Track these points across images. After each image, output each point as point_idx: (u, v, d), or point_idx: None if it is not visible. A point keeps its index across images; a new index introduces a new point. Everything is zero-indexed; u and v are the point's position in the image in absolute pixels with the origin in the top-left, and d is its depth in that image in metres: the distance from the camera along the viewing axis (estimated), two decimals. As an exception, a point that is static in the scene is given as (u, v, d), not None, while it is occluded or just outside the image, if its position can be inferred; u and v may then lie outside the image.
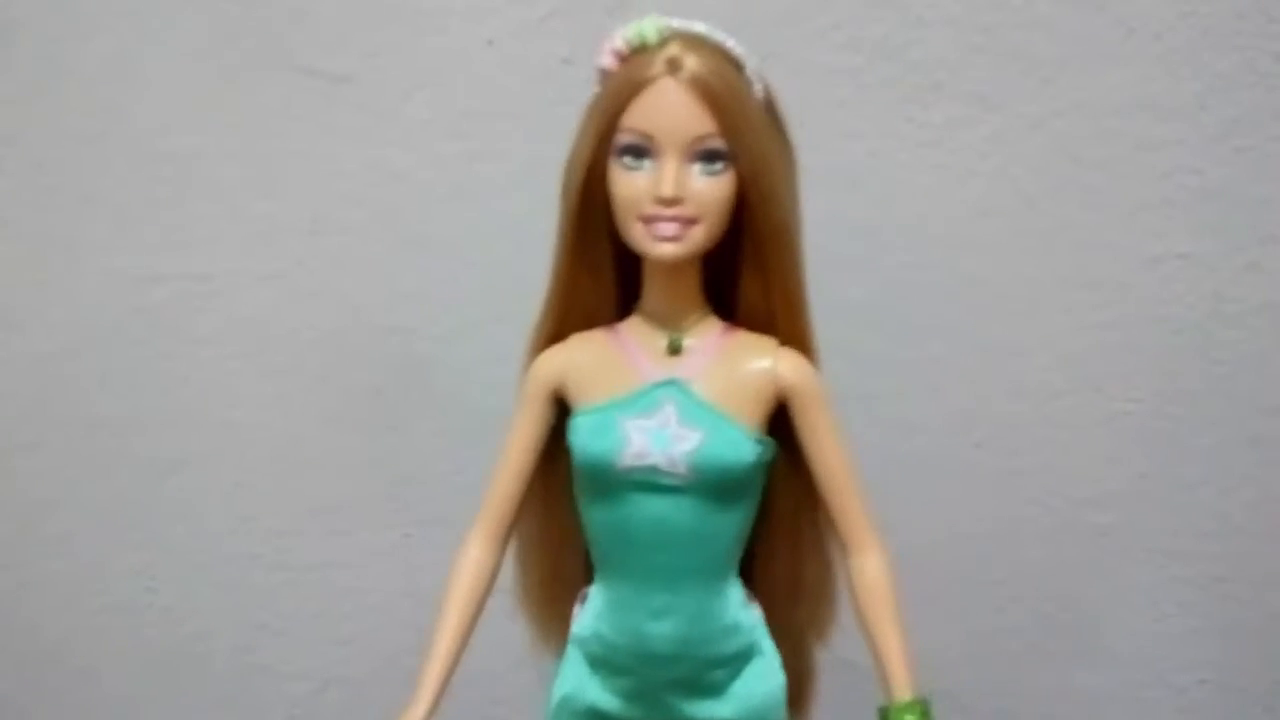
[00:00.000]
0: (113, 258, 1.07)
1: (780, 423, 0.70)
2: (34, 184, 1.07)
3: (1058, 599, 1.08)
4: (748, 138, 0.66)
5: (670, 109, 0.65)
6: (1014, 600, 1.08)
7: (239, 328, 1.08)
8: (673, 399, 0.68)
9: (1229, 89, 0.97)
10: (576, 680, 0.74)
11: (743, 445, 0.68)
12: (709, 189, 0.66)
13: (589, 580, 0.75)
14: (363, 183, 1.04)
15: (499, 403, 1.06)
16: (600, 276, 0.71)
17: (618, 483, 0.68)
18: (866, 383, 1.01)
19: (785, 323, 0.70)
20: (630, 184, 0.66)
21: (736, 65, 0.67)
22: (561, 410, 0.72)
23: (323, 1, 1.01)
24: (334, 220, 1.05)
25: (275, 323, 1.08)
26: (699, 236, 0.67)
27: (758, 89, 0.68)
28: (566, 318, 0.72)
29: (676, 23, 0.66)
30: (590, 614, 0.73)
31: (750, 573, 0.74)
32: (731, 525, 0.70)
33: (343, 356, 1.08)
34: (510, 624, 0.80)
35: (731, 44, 0.67)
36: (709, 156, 0.65)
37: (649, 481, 0.68)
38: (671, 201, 0.65)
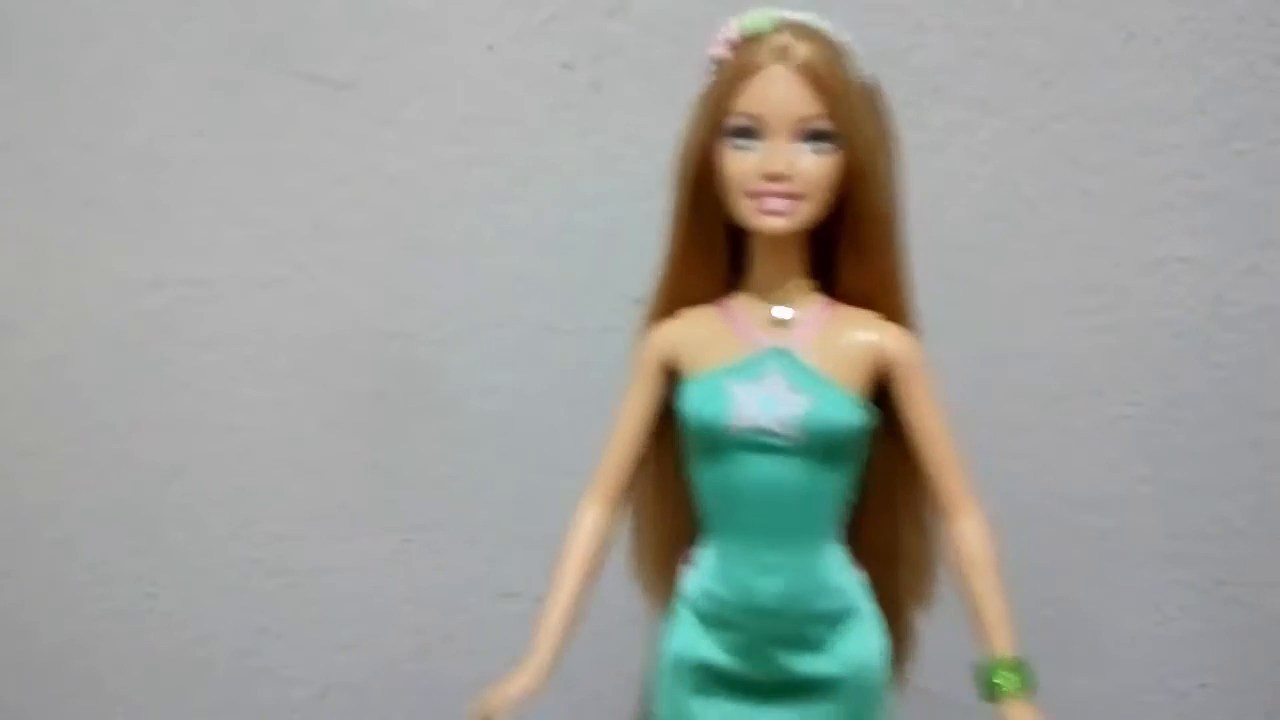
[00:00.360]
0: (114, 263, 1.08)
1: (882, 396, 0.73)
2: (35, 189, 1.07)
3: (1058, 602, 1.08)
4: (852, 121, 0.69)
5: (779, 92, 0.68)
6: (1013, 603, 1.08)
7: (239, 333, 1.08)
8: (780, 367, 0.71)
9: (1228, 93, 0.97)
10: (687, 637, 0.76)
11: (849, 409, 0.71)
12: (815, 167, 0.69)
13: (695, 544, 0.78)
14: (363, 188, 1.04)
15: (499, 407, 1.07)
16: (711, 256, 0.74)
17: (727, 444, 0.71)
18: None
19: (883, 301, 0.74)
20: (740, 162, 0.69)
21: (843, 53, 0.70)
22: (673, 383, 0.75)
23: (323, 7, 1.01)
24: (335, 225, 1.05)
25: (276, 328, 1.08)
26: (804, 211, 0.70)
27: (864, 77, 0.71)
28: (680, 295, 0.76)
29: (787, 13, 0.70)
30: (700, 572, 0.76)
31: (853, 541, 0.77)
32: (835, 487, 0.73)
33: (343, 361, 1.08)
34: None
35: (838, 34, 0.70)
36: (815, 136, 0.68)
37: (758, 442, 0.71)
38: (779, 177, 0.68)
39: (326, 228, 1.06)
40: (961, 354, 1.04)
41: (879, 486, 0.77)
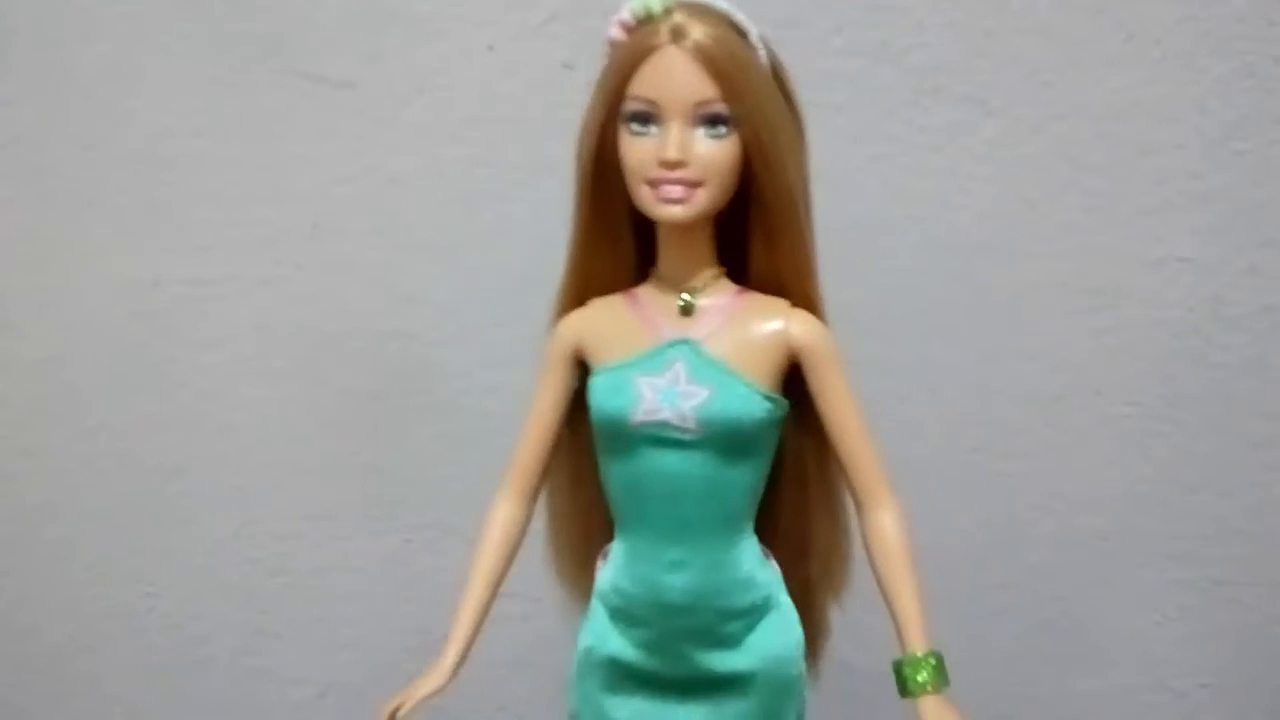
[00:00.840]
0: (114, 262, 1.08)
1: (792, 383, 0.72)
2: (35, 189, 1.07)
3: (1058, 603, 1.08)
4: (750, 102, 0.67)
5: (674, 76, 0.66)
6: (1014, 604, 1.08)
7: (239, 332, 1.08)
8: (683, 357, 0.70)
9: (1228, 93, 0.97)
10: (598, 631, 0.76)
11: (751, 401, 0.69)
12: (712, 152, 0.67)
13: (611, 538, 0.77)
14: (363, 187, 1.04)
15: (499, 407, 1.07)
16: (617, 243, 0.73)
17: (632, 438, 0.70)
18: (866, 386, 1.00)
19: (794, 286, 0.72)
20: (637, 149, 0.68)
21: (740, 32, 0.68)
22: (584, 373, 0.74)
23: (323, 7, 1.01)
24: (334, 225, 1.05)
25: (275, 327, 1.08)
26: (704, 199, 0.68)
27: (761, 55, 0.69)
28: (587, 284, 0.75)
29: None
30: (611, 567, 0.75)
31: (766, 530, 0.76)
32: (743, 479, 0.72)
33: (343, 361, 1.08)
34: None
35: (734, 12, 0.69)
36: (712, 120, 0.67)
37: (661, 436, 0.70)
38: (675, 164, 0.67)
39: (326, 227, 1.06)
40: (961, 354, 1.04)
41: (791, 476, 0.76)
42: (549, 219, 1.03)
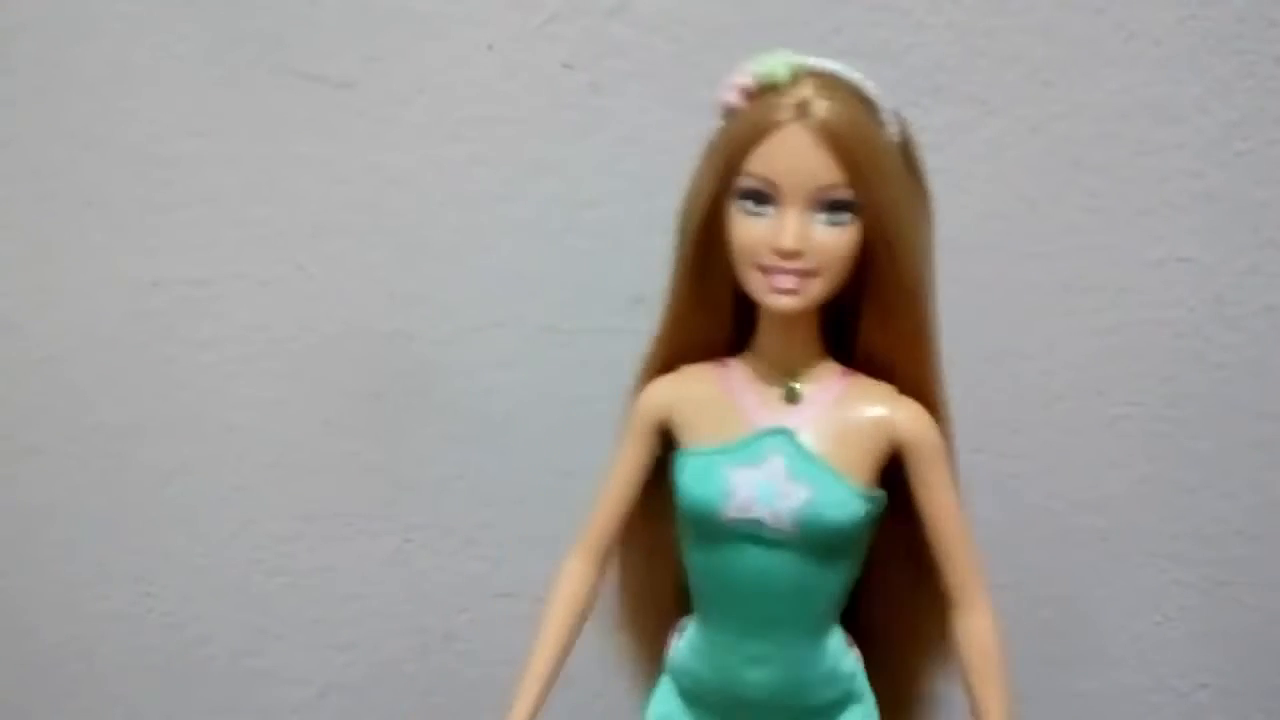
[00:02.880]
0: (112, 262, 1.07)
1: (892, 470, 0.68)
2: (33, 188, 1.07)
3: (1058, 603, 1.08)
4: (877, 187, 0.63)
5: (796, 156, 0.62)
6: (1014, 604, 1.08)
7: (239, 332, 1.08)
8: (781, 450, 0.66)
9: (1229, 92, 0.97)
10: (669, 709, 0.73)
11: (851, 503, 0.65)
12: (831, 241, 0.63)
13: (684, 609, 0.73)
14: (363, 187, 1.04)
15: (499, 407, 1.07)
16: (715, 312, 0.69)
17: (721, 531, 0.67)
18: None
19: (906, 373, 0.68)
20: (750, 231, 0.64)
21: (871, 108, 0.64)
22: (667, 441, 0.71)
23: (323, 7, 1.01)
24: (334, 225, 1.05)
25: (275, 327, 1.08)
26: (817, 289, 0.64)
27: (893, 133, 0.65)
28: (679, 350, 0.71)
29: (811, 61, 0.63)
30: (686, 650, 0.72)
31: (852, 618, 0.72)
32: (836, 580, 0.68)
33: (342, 361, 1.08)
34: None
35: (865, 84, 0.64)
36: (834, 207, 0.63)
37: (753, 534, 0.66)
38: (792, 254, 0.63)
39: (326, 228, 1.06)
40: (961, 354, 1.03)
41: (882, 568, 0.72)
42: (549, 219, 1.04)
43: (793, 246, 0.62)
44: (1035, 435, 1.04)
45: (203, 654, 1.15)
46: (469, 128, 1.02)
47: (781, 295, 0.64)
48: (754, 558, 0.66)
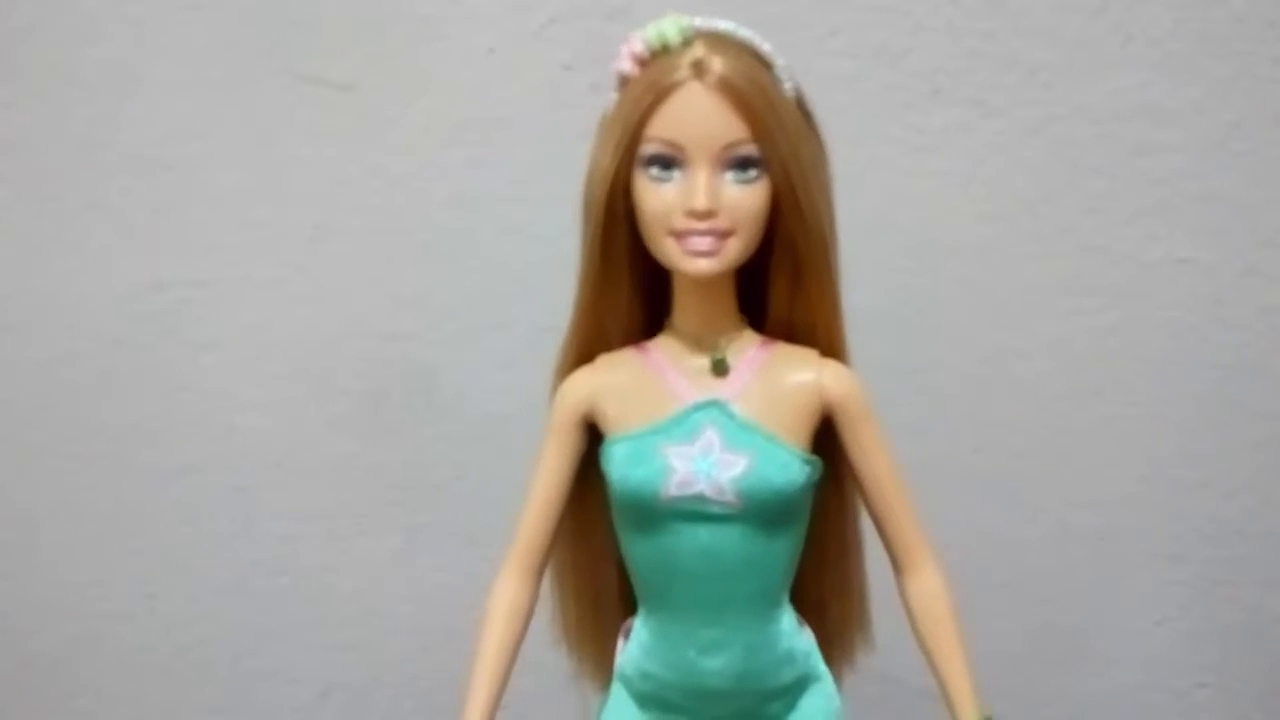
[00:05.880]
0: (115, 264, 1.08)
1: (822, 436, 0.67)
2: (35, 190, 1.07)
3: (1057, 603, 1.08)
4: (781, 141, 0.62)
5: (698, 115, 0.60)
6: (1013, 604, 1.08)
7: (240, 334, 1.08)
8: (714, 422, 0.64)
9: (1227, 94, 0.97)
10: (623, 717, 0.70)
11: (792, 465, 0.64)
12: (744, 198, 0.62)
13: (630, 611, 0.72)
14: (364, 189, 1.05)
15: (500, 408, 1.07)
16: (627, 294, 0.67)
17: (661, 513, 0.64)
18: (865, 386, 1.02)
19: (820, 333, 0.67)
20: (659, 197, 0.62)
21: (766, 64, 0.63)
22: (592, 436, 0.69)
23: (325, 10, 1.02)
24: (335, 227, 1.06)
25: (276, 329, 1.08)
26: (735, 250, 0.63)
27: (788, 88, 0.64)
28: (593, 338, 0.69)
29: (699, 21, 0.62)
30: (636, 650, 0.69)
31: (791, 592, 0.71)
32: (784, 549, 0.67)
33: (344, 362, 1.08)
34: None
35: (759, 41, 0.63)
36: (742, 164, 0.62)
37: (695, 510, 0.64)
38: (705, 214, 0.61)
39: (327, 229, 1.06)
40: (961, 354, 1.04)
41: (811, 536, 0.69)
42: (549, 220, 1.04)
43: (706, 205, 0.61)
44: (1034, 436, 1.05)
45: (204, 654, 1.15)
46: (470, 130, 1.03)
47: (699, 258, 0.62)
48: (698, 536, 0.64)
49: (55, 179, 1.07)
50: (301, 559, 1.12)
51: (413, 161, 1.04)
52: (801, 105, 0.66)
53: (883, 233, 1.01)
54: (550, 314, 1.05)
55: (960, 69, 0.98)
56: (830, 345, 0.68)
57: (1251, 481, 1.04)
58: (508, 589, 0.70)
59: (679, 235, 0.62)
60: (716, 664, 0.66)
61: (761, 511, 0.64)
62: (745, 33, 0.63)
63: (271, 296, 1.07)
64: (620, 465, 0.65)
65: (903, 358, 1.03)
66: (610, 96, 0.65)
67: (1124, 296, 1.01)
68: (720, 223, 0.62)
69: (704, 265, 0.63)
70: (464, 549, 1.11)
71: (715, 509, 0.64)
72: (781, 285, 0.67)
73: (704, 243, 0.62)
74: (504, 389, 1.07)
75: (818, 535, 0.70)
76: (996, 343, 1.03)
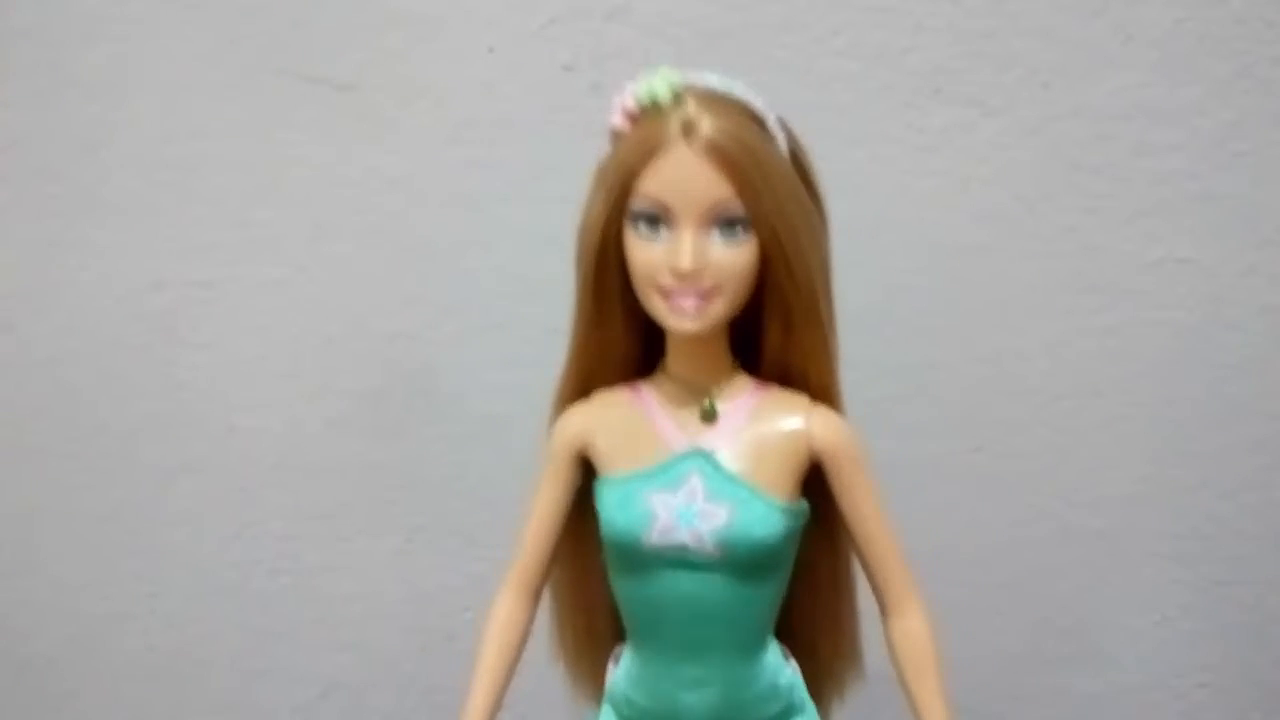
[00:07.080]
0: (115, 264, 1.08)
1: (811, 481, 0.68)
2: (36, 190, 1.07)
3: (1057, 602, 1.08)
4: (769, 201, 0.62)
5: (686, 176, 0.61)
6: (1014, 604, 1.08)
7: (241, 334, 1.08)
8: (699, 471, 0.66)
9: (1227, 94, 0.97)
10: None
11: (771, 519, 0.65)
12: (729, 258, 0.63)
13: (622, 635, 0.73)
14: (364, 189, 1.05)
15: (500, 408, 1.07)
16: (621, 332, 0.69)
17: (645, 558, 0.66)
18: (865, 388, 1.01)
19: (813, 378, 0.68)
20: (647, 254, 0.63)
21: (757, 121, 0.63)
22: (588, 468, 0.70)
23: (325, 10, 1.02)
24: (336, 227, 1.06)
25: (277, 329, 1.08)
26: (719, 309, 0.64)
27: (780, 143, 0.65)
28: (590, 373, 0.71)
29: (691, 76, 0.63)
30: (622, 678, 0.71)
31: (780, 628, 0.72)
32: (765, 597, 0.68)
33: (344, 362, 1.08)
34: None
35: (751, 97, 0.64)
36: (728, 224, 0.62)
37: (678, 559, 0.65)
38: (689, 275, 0.62)
39: (327, 229, 1.06)
40: (961, 354, 1.04)
41: (803, 578, 0.71)
42: (549, 220, 1.04)
43: (690, 267, 0.62)
44: (1034, 436, 1.05)
45: (205, 654, 1.15)
46: (470, 130, 1.03)
47: (684, 317, 0.63)
48: (681, 582, 0.66)
49: (55, 178, 1.07)
50: (301, 559, 1.12)
51: (413, 161, 1.04)
52: (796, 158, 0.66)
53: (883, 233, 1.01)
54: (550, 314, 1.06)
55: (960, 69, 0.98)
56: (823, 392, 0.69)
57: (1251, 481, 1.04)
58: (504, 607, 0.72)
59: (666, 293, 0.63)
60: (697, 700, 0.68)
61: (742, 562, 0.65)
62: (736, 89, 0.64)
63: (271, 296, 1.07)
64: (608, 508, 0.66)
65: (903, 358, 1.03)
66: (606, 152, 0.66)
67: (1124, 296, 1.01)
68: (705, 282, 0.63)
69: (689, 324, 0.64)
70: (464, 549, 1.11)
71: (696, 558, 0.65)
72: (775, 332, 0.67)
73: (689, 303, 0.63)
74: (504, 389, 1.07)
75: (809, 575, 0.72)
76: (996, 343, 1.03)
